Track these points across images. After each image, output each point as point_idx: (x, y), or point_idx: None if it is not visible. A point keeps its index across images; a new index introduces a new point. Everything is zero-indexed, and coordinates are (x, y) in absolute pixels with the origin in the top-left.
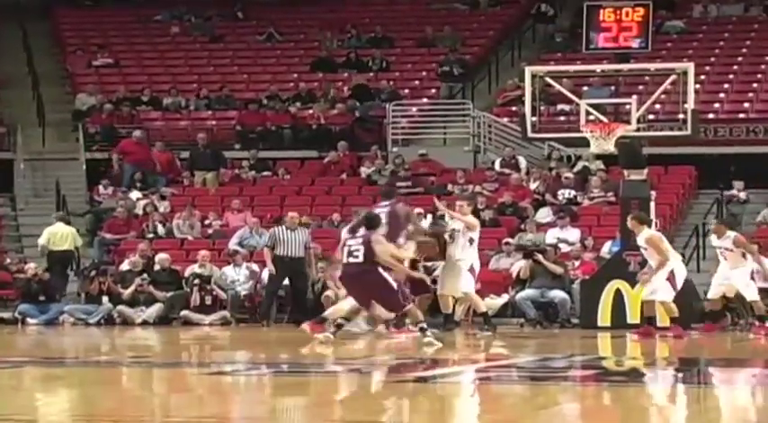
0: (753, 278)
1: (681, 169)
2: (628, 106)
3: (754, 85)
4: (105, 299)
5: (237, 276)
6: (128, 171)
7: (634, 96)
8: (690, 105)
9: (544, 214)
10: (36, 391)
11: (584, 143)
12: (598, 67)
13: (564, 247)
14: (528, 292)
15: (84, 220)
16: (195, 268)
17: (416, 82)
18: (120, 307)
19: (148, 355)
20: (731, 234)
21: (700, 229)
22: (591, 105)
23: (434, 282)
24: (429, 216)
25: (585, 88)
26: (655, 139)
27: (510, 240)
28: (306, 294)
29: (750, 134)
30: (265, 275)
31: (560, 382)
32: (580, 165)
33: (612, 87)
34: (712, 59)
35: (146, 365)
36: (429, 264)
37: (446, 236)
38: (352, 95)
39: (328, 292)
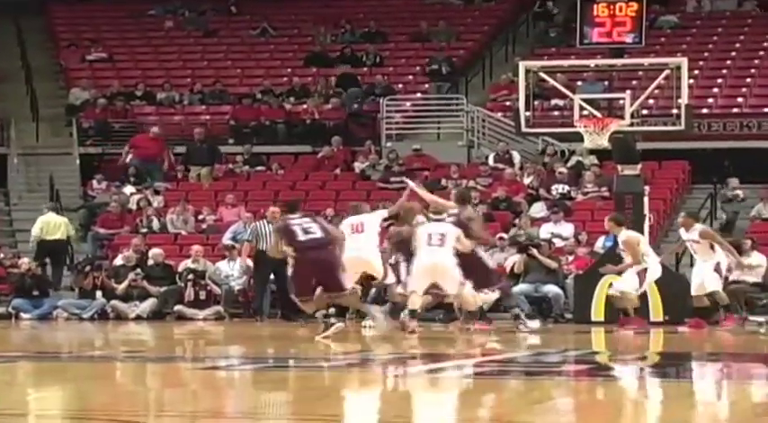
0: (719, 270)
1: (674, 164)
2: (621, 101)
3: (748, 79)
4: (99, 294)
5: (231, 271)
6: (136, 165)
7: (628, 91)
8: (683, 100)
9: (538, 209)
10: (29, 386)
11: (578, 138)
12: (592, 62)
13: (558, 242)
14: (522, 287)
15: (78, 214)
16: (189, 263)
17: (410, 77)
18: (113, 302)
19: (142, 350)
20: (698, 226)
21: None
22: (585, 100)
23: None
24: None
25: (579, 83)
26: (648, 134)
27: (504, 235)
28: (289, 289)
29: (744, 129)
30: None
31: (554, 376)
32: (574, 160)
33: (606, 82)
34: (706, 54)
35: (139, 360)
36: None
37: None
38: (338, 84)
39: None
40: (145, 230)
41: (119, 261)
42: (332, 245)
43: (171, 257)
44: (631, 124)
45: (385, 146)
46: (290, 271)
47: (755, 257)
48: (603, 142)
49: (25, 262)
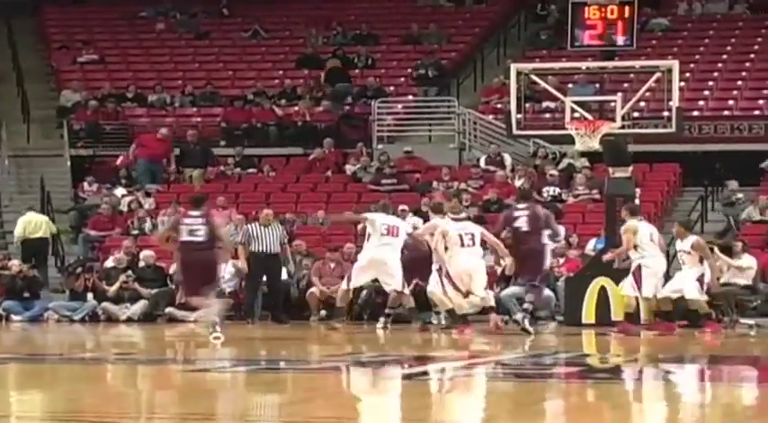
0: (701, 281)
1: (665, 167)
2: (613, 104)
3: (739, 82)
4: (90, 296)
5: (222, 273)
6: (141, 165)
7: (619, 94)
8: (674, 103)
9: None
10: (20, 388)
11: (570, 140)
12: (583, 65)
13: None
14: (513, 289)
15: (69, 216)
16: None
17: (402, 79)
18: (104, 304)
19: (133, 352)
20: (691, 237)
21: None
22: (576, 103)
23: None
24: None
25: (570, 86)
26: (639, 136)
27: None
28: (280, 291)
29: (735, 131)
30: None
31: (545, 379)
32: (565, 162)
33: (597, 85)
34: (697, 57)
35: (130, 362)
36: None
37: None
38: (327, 79)
39: (313, 289)
40: (136, 232)
41: (109, 263)
42: (213, 248)
43: (162, 259)
44: (622, 127)
45: (376, 148)
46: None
47: (746, 260)
48: (594, 145)
49: (16, 264)
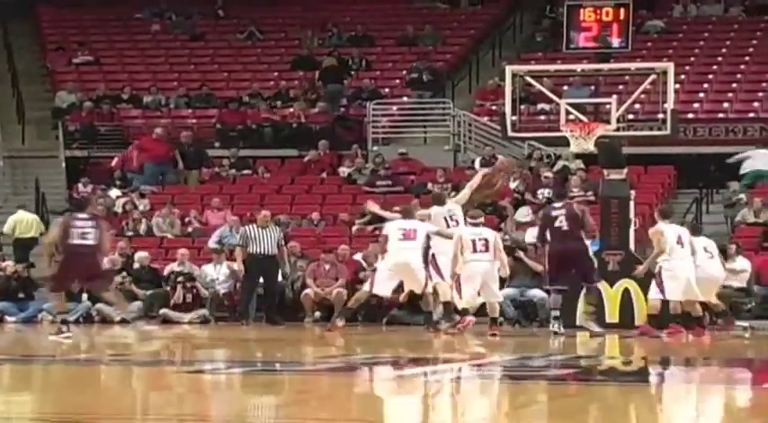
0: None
1: (660, 169)
2: (608, 106)
3: (734, 85)
4: (85, 296)
5: (217, 275)
6: (148, 168)
7: (614, 96)
8: (669, 105)
9: (524, 213)
10: (14, 390)
11: (564, 142)
12: (578, 67)
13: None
14: (507, 291)
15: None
16: (175, 266)
17: (397, 81)
18: (99, 305)
19: (128, 354)
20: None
21: None
22: (571, 105)
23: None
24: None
25: (566, 88)
26: (634, 138)
27: None
28: (276, 293)
29: (729, 134)
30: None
31: (539, 381)
32: (560, 164)
33: (592, 87)
34: (692, 59)
35: (125, 364)
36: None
37: None
38: (321, 78)
39: (307, 291)
40: (130, 234)
41: (104, 264)
42: (98, 252)
43: (156, 261)
44: (617, 129)
45: (371, 150)
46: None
47: (740, 262)
48: (589, 147)
49: (10, 264)
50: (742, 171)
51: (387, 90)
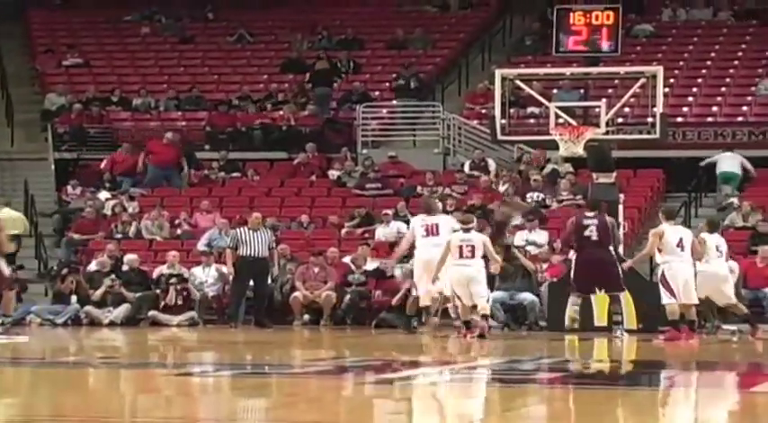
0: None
1: (649, 173)
2: (597, 109)
3: (723, 88)
4: (74, 299)
5: (206, 277)
6: (152, 172)
7: (603, 100)
8: (658, 109)
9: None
10: (1, 393)
11: (554, 146)
12: (568, 70)
13: (532, 250)
14: (497, 294)
15: (52, 220)
16: (164, 269)
17: (386, 84)
18: (87, 307)
19: (116, 356)
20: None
21: None
22: (560, 108)
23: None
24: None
25: (555, 91)
26: (623, 142)
27: None
28: (266, 295)
29: (718, 138)
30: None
31: (527, 384)
32: (549, 167)
33: (582, 90)
34: (681, 63)
35: (113, 366)
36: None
37: None
38: (310, 80)
39: (296, 294)
40: (119, 236)
41: (93, 267)
42: None
43: (145, 263)
44: (607, 132)
45: (361, 153)
46: None
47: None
48: (579, 150)
49: None
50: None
51: (376, 93)
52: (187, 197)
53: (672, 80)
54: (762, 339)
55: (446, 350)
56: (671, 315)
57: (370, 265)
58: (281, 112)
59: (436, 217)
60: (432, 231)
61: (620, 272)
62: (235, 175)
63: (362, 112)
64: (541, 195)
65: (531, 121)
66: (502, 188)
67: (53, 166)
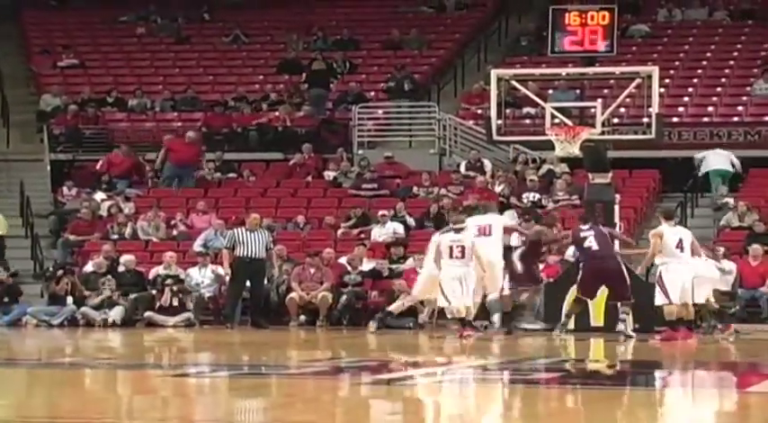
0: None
1: (645, 173)
2: (593, 110)
3: (718, 89)
4: (70, 300)
5: (202, 278)
6: (168, 170)
7: (599, 100)
8: (654, 109)
9: (509, 217)
10: None
11: (550, 146)
12: (563, 71)
13: None
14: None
15: (48, 221)
16: (160, 270)
17: (382, 84)
18: (83, 308)
19: (113, 357)
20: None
21: None
22: (556, 109)
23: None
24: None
25: (551, 92)
26: (619, 142)
27: None
28: (262, 296)
29: (714, 138)
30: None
31: (524, 384)
32: (545, 168)
33: (578, 91)
34: (677, 63)
35: (110, 367)
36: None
37: None
38: (306, 81)
39: (293, 294)
40: (115, 237)
41: (89, 267)
42: None
43: (141, 264)
44: (602, 133)
45: (356, 153)
46: None
47: (727, 266)
48: (574, 150)
49: None
50: (701, 173)
51: (372, 94)
52: (183, 198)
53: (667, 80)
54: (726, 339)
55: (442, 351)
56: (668, 316)
57: (367, 265)
58: (277, 113)
59: (488, 217)
60: (484, 232)
61: (628, 280)
62: (231, 175)
63: (358, 113)
64: (537, 196)
65: (527, 121)
66: (498, 188)
67: (49, 167)
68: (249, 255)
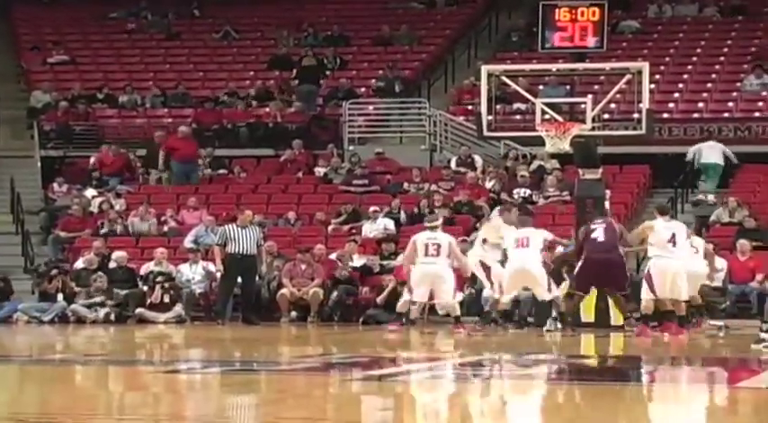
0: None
1: (635, 168)
2: (583, 105)
3: (709, 84)
4: (60, 296)
5: (193, 275)
6: (175, 167)
7: (589, 96)
8: (644, 105)
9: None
10: None
11: (540, 142)
12: (554, 67)
13: None
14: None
15: (39, 217)
16: (151, 266)
17: (373, 80)
18: (74, 305)
19: (104, 353)
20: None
21: None
22: (547, 104)
23: None
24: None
25: (541, 87)
26: (610, 138)
27: (467, 238)
28: (253, 292)
29: (704, 133)
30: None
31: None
32: (536, 164)
33: (568, 87)
34: (667, 59)
35: (101, 364)
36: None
37: None
38: (297, 77)
39: (283, 290)
40: (105, 231)
41: (80, 264)
42: None
43: (132, 260)
44: (593, 128)
45: (347, 149)
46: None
47: (717, 262)
48: (565, 146)
49: None
50: (696, 165)
51: (363, 90)
52: (173, 194)
53: (658, 76)
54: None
55: (432, 346)
56: (644, 310)
57: (358, 261)
58: (268, 109)
59: (527, 230)
60: (522, 244)
61: (626, 274)
62: (221, 171)
63: (349, 109)
64: (528, 191)
65: (518, 117)
66: (489, 184)
67: (39, 164)
68: (240, 251)
